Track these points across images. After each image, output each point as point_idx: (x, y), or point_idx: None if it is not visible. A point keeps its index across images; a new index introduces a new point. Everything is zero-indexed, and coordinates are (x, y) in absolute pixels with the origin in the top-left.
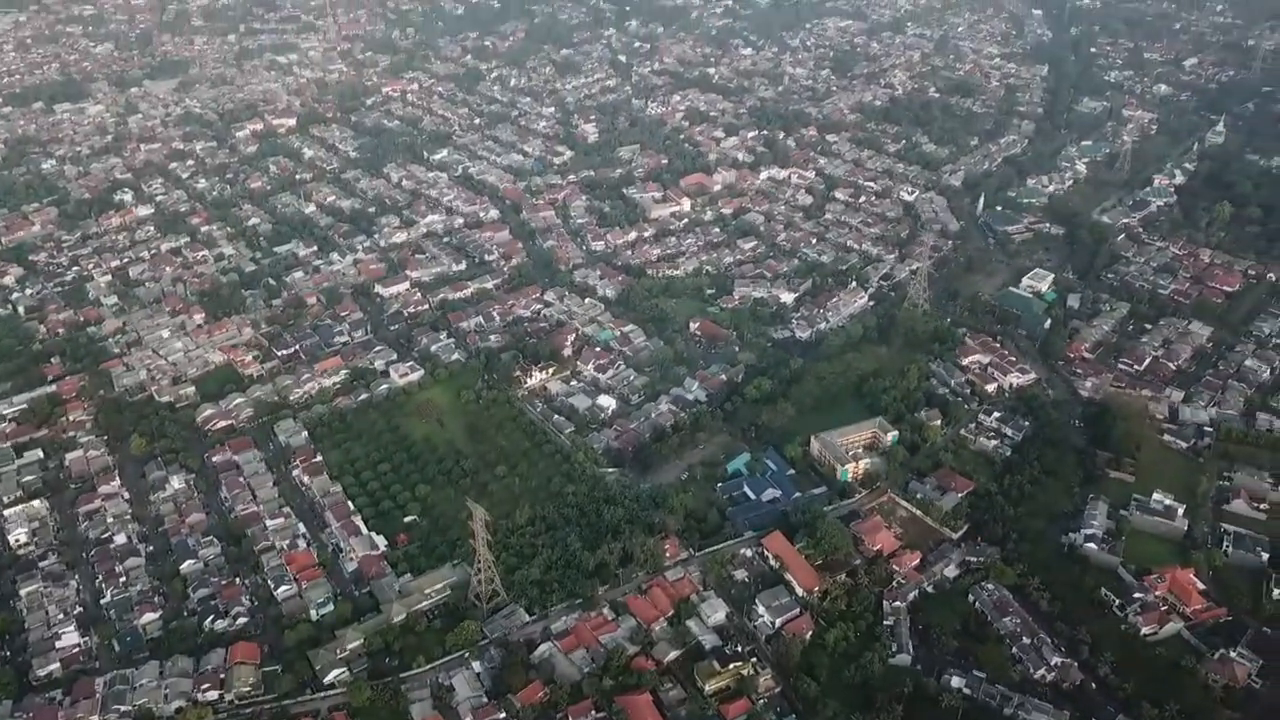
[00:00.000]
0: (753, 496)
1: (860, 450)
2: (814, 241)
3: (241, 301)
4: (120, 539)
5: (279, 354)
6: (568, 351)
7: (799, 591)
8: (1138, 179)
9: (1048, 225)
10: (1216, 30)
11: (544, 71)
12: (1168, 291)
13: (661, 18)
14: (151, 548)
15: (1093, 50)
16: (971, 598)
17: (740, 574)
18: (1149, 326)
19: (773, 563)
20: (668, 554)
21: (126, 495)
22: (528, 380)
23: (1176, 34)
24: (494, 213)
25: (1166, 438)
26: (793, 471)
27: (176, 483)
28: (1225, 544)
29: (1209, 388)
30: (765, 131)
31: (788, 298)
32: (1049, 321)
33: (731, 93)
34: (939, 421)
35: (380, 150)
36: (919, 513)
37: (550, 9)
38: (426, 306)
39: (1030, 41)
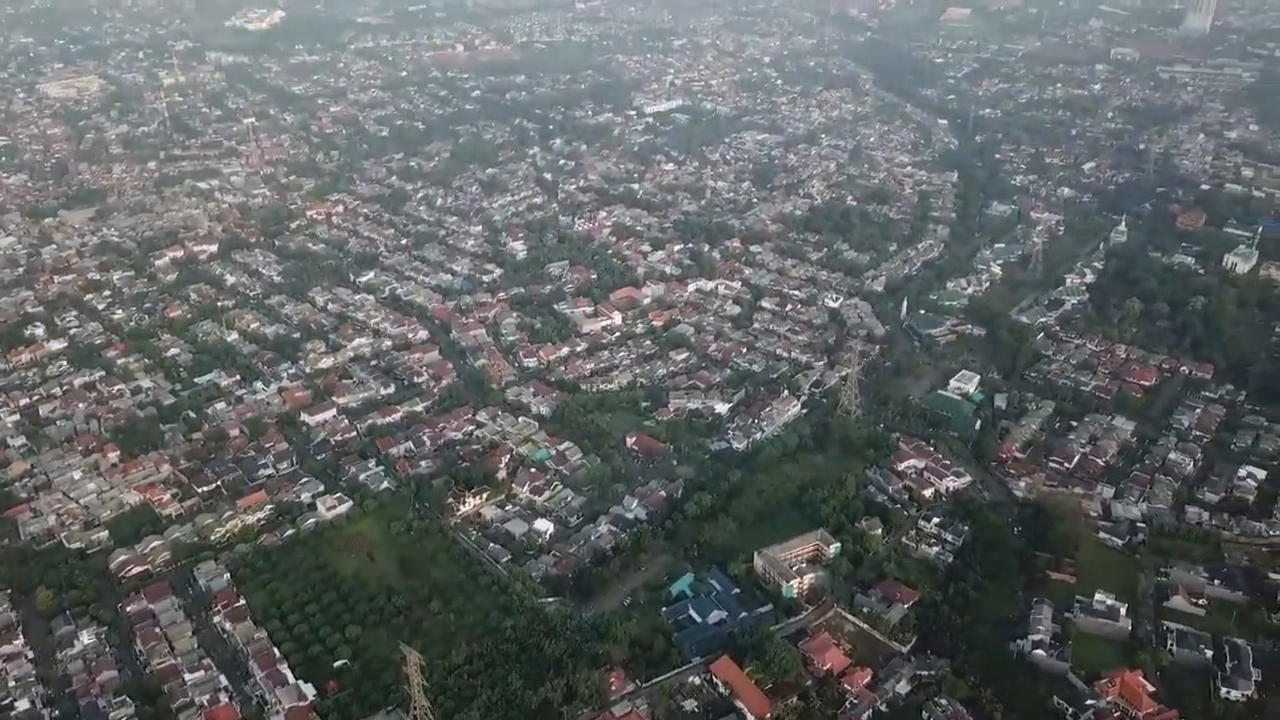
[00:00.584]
0: (699, 619)
1: (804, 564)
2: (744, 351)
3: (160, 436)
4: (23, 704)
5: (199, 490)
6: (502, 474)
7: (750, 719)
8: (1050, 279)
9: (970, 327)
10: (1109, 136)
11: (470, 191)
12: (1089, 388)
13: (585, 136)
14: (58, 712)
15: (997, 157)
16: (926, 715)
17: (690, 704)
18: (1075, 424)
19: (723, 689)
20: (614, 687)
21: (30, 655)
22: (461, 507)
23: (1074, 139)
24: (423, 333)
25: (1102, 535)
26: (738, 590)
27: (86, 637)
28: (1169, 643)
29: (1138, 483)
30: (691, 244)
31: (722, 408)
32: (979, 423)
33: (656, 207)
34: (880, 530)
35: (305, 274)
36: (867, 627)
37: (475, 129)
38: (355, 433)
39: (938, 150)
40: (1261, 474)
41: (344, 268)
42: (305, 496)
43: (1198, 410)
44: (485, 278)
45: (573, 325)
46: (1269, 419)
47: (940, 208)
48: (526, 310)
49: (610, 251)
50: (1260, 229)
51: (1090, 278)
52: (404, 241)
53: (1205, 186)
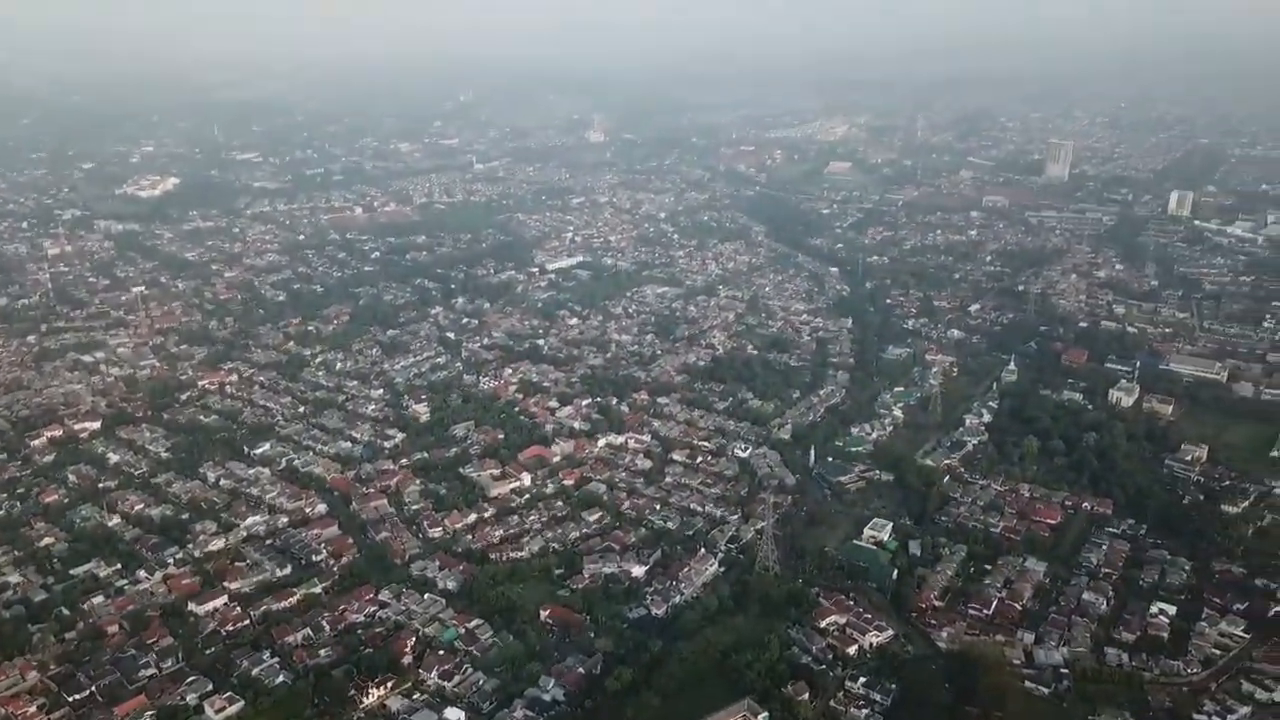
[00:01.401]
0: None
1: None
2: (658, 507)
3: (27, 639)
4: None
5: (71, 699)
6: (408, 659)
7: None
8: (950, 420)
9: (878, 472)
10: (990, 278)
11: (371, 353)
12: (999, 530)
13: (488, 294)
14: None
15: (888, 301)
16: None
17: None
18: (989, 567)
19: None
20: None
21: None
22: (364, 700)
23: (958, 283)
24: (321, 507)
25: (1028, 684)
26: None
27: None
28: None
29: (1056, 626)
30: (598, 398)
31: (638, 571)
32: (895, 572)
33: (562, 362)
34: (806, 695)
35: (196, 449)
36: None
37: (375, 290)
38: (247, 622)
39: (832, 297)
40: (1172, 610)
41: (238, 440)
42: (191, 698)
43: (1104, 547)
44: (387, 443)
45: (480, 489)
46: (1171, 552)
47: (839, 353)
48: (431, 476)
49: (517, 409)
50: (1137, 363)
51: (987, 418)
52: (302, 409)
53: (1083, 324)
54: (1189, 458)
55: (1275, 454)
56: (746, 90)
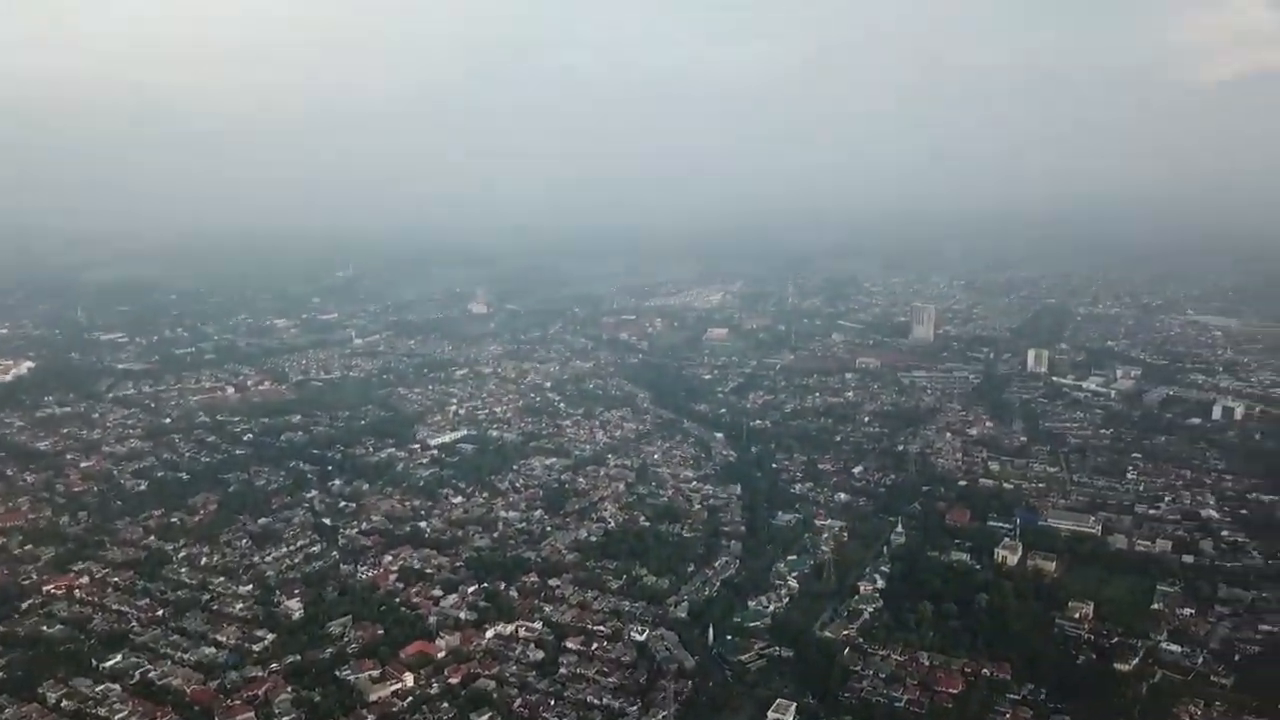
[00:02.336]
0: None
1: None
2: (553, 703)
3: None
4: None
5: None
6: None
7: None
8: (844, 588)
9: (777, 649)
10: (870, 439)
11: (240, 545)
12: (902, 703)
13: (367, 474)
14: None
15: (774, 466)
16: None
17: None
18: None
19: None
20: None
21: None
22: None
23: (840, 445)
24: None
25: None
26: None
27: None
28: None
29: None
30: (485, 584)
31: None
32: None
33: (446, 545)
34: None
35: (36, 665)
36: None
37: (245, 476)
38: None
39: (719, 463)
40: None
41: (86, 652)
42: None
43: (1007, 715)
44: (255, 646)
45: (358, 694)
46: (1073, 717)
47: (730, 521)
48: (304, 681)
49: (398, 600)
50: (1018, 521)
51: (881, 583)
52: (160, 612)
53: (963, 482)
54: (1077, 615)
55: (1156, 606)
56: (626, 260)
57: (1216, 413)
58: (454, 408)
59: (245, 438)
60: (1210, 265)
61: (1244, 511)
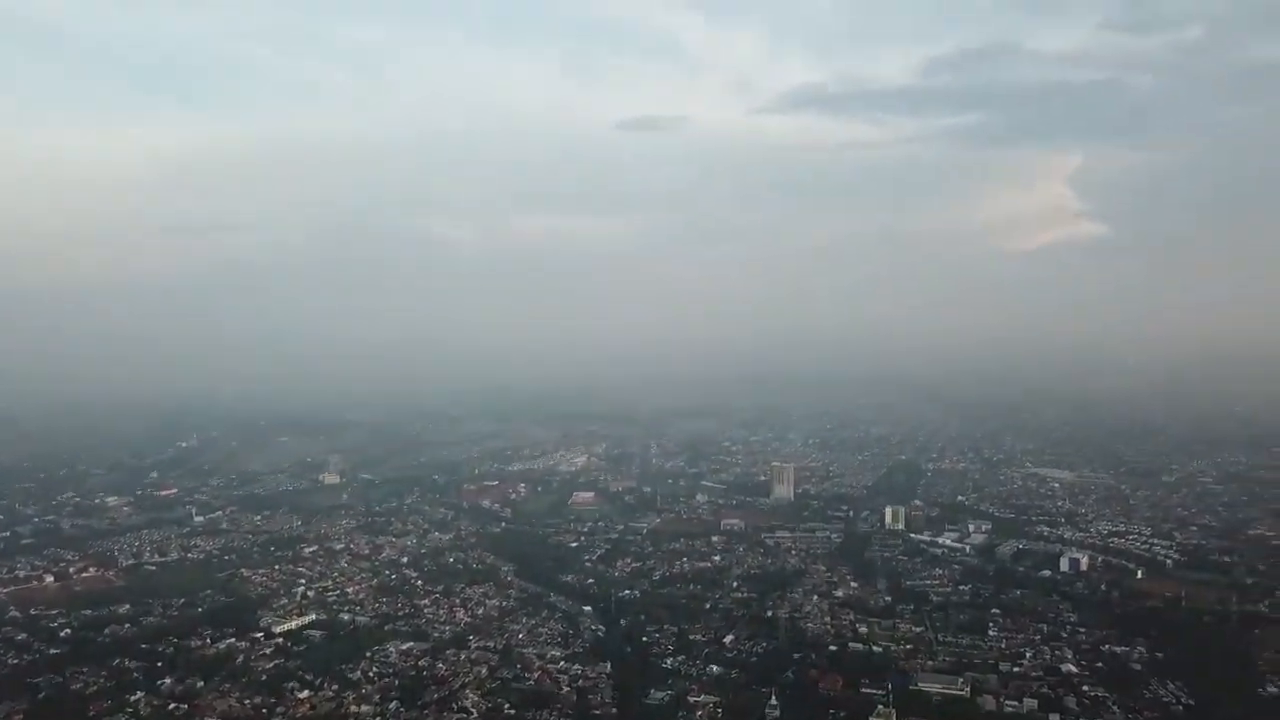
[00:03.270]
0: None
1: None
2: None
3: None
4: None
5: None
6: None
7: None
8: None
9: None
10: (739, 605)
11: None
12: None
13: (202, 669)
14: None
15: (645, 639)
16: None
17: None
18: None
19: None
20: None
21: None
22: None
23: (709, 613)
24: None
25: None
26: None
27: None
28: None
29: None
30: None
31: None
32: None
33: None
34: None
35: None
36: None
37: (60, 679)
38: None
39: (588, 639)
40: None
41: None
42: None
43: None
44: None
45: None
46: None
47: (600, 704)
48: None
49: None
50: (889, 685)
51: None
52: None
53: (833, 647)
54: None
55: None
56: (486, 424)
57: (1064, 564)
58: (302, 589)
59: (63, 634)
60: (1039, 419)
61: (1100, 665)
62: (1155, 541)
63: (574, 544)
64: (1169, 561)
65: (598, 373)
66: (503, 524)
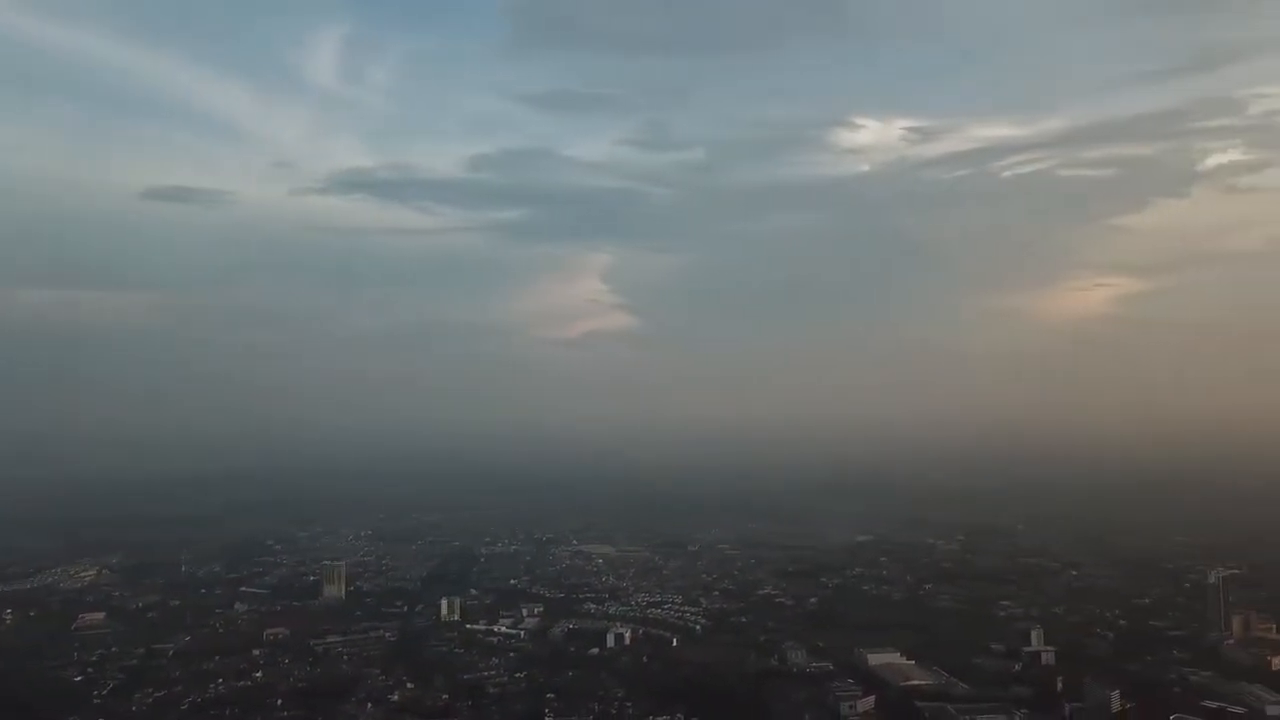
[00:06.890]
0: None
1: None
2: None
3: None
4: None
5: None
6: None
7: None
8: None
9: None
10: None
11: None
12: None
13: None
14: None
15: None
16: None
17: None
18: None
19: None
20: None
21: None
22: None
23: None
24: None
25: None
26: None
27: None
28: None
29: None
30: None
31: None
32: None
33: None
34: None
35: None
36: None
37: None
38: None
39: None
40: None
41: None
42: None
43: None
44: None
45: None
46: None
47: None
48: None
49: None
50: None
51: None
52: None
53: None
54: None
55: None
56: None
57: (610, 640)
58: None
59: None
60: (584, 496)
61: None
62: (686, 609)
63: (78, 678)
64: (698, 627)
65: (113, 466)
66: None
